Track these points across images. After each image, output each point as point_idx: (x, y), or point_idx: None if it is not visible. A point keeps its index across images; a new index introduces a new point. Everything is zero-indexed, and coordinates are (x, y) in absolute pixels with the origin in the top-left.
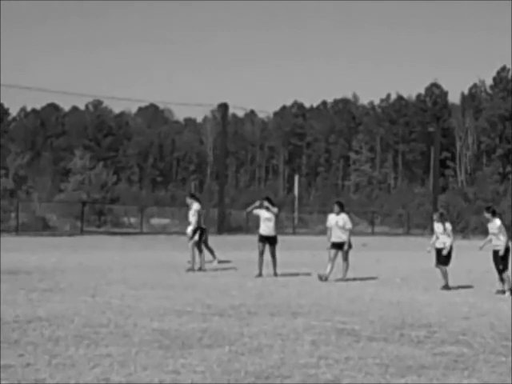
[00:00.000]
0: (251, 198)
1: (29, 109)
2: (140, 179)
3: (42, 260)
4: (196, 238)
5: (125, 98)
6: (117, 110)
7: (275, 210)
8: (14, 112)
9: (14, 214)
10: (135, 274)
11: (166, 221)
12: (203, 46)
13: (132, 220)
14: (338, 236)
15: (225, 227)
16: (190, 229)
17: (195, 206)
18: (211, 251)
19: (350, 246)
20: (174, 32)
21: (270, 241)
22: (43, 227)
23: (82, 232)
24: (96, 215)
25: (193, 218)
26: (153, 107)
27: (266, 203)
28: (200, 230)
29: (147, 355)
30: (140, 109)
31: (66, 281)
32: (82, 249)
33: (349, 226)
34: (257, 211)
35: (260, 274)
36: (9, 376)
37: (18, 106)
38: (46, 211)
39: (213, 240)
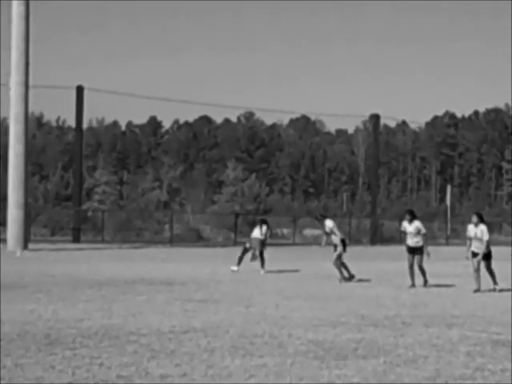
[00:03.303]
0: (403, 208)
1: (182, 121)
2: (292, 190)
3: (197, 271)
4: (340, 250)
5: (276, 109)
6: (269, 122)
7: (412, 227)
8: (167, 125)
9: (168, 226)
10: (289, 285)
11: (318, 232)
12: (354, 56)
13: (285, 231)
14: (477, 247)
15: (377, 238)
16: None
17: (328, 223)
18: (262, 262)
19: (489, 257)
20: (325, 43)
21: (416, 252)
22: (197, 238)
23: (236, 243)
24: (249, 226)
25: (334, 235)
26: (304, 118)
27: (408, 216)
28: (343, 242)
29: (302, 366)
30: (292, 120)
31: (220, 291)
32: (235, 260)
33: (486, 237)
34: (403, 225)
35: (413, 285)
36: None
37: (171, 118)
38: (199, 223)
39: (365, 251)
